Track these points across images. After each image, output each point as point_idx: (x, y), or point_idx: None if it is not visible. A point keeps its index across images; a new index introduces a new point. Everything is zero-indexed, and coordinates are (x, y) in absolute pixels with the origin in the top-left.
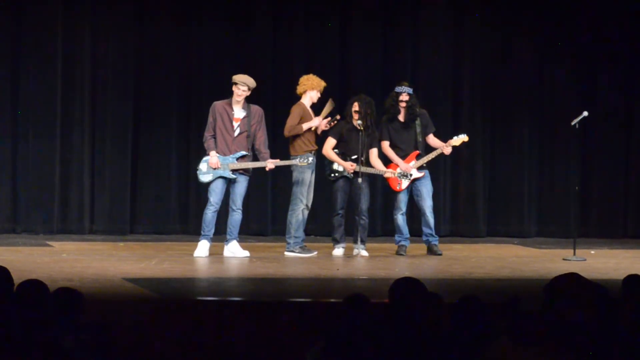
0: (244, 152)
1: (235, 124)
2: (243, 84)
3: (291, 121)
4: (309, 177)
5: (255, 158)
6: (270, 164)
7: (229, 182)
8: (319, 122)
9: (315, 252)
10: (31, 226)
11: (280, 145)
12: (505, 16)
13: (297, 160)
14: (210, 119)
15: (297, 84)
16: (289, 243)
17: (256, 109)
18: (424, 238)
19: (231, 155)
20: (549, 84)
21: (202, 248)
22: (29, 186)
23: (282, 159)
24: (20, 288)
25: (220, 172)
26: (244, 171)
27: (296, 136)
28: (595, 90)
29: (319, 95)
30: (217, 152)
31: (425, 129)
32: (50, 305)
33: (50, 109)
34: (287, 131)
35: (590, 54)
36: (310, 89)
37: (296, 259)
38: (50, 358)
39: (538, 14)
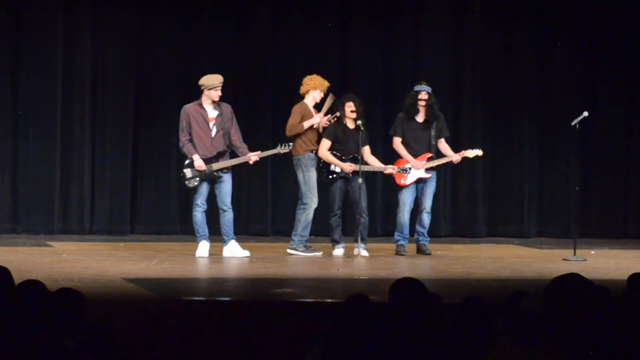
0: (223, 151)
1: (211, 124)
2: (220, 84)
3: (292, 120)
4: (314, 175)
5: (232, 155)
6: (253, 156)
7: (213, 182)
8: (320, 119)
9: (321, 253)
10: (31, 226)
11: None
12: (505, 16)
13: (279, 148)
14: (183, 123)
15: (300, 84)
16: (293, 240)
17: (226, 106)
18: (415, 236)
19: (212, 156)
20: (549, 84)
21: (203, 248)
22: (29, 186)
23: (287, 160)
24: (18, 289)
25: (206, 175)
26: (227, 169)
27: (297, 136)
28: (595, 91)
29: (322, 95)
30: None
31: (439, 133)
32: (48, 305)
33: (50, 109)
34: (288, 131)
35: (590, 53)
36: (313, 89)
37: (298, 258)
38: (50, 358)
39: (538, 14)
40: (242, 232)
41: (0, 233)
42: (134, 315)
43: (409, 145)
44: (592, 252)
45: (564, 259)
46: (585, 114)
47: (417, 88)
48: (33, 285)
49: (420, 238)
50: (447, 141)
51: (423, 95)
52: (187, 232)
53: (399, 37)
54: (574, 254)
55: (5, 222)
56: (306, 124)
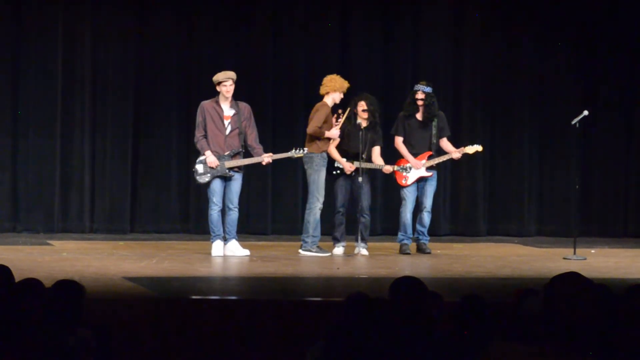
0: (237, 150)
1: (226, 122)
2: (228, 79)
3: (316, 122)
4: (324, 175)
5: (247, 155)
6: (267, 158)
7: (224, 180)
8: (338, 134)
9: (329, 253)
10: (32, 225)
11: (280, 143)
12: (505, 16)
13: (292, 152)
14: (199, 119)
15: (321, 84)
16: (305, 242)
17: (244, 106)
18: (415, 235)
19: (225, 154)
20: (549, 84)
21: (218, 248)
22: (30, 185)
23: (288, 159)
24: (15, 287)
25: (218, 172)
26: (239, 168)
27: (316, 137)
28: (596, 90)
29: (341, 97)
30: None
31: (440, 132)
32: (46, 302)
33: (50, 108)
34: (312, 131)
35: (590, 53)
36: (333, 91)
37: (298, 257)
38: (50, 358)
39: (538, 13)
40: (242, 231)
41: (1, 232)
42: (134, 314)
43: (410, 144)
44: (592, 251)
45: (564, 258)
46: (586, 113)
47: (415, 87)
48: (30, 284)
49: (420, 237)
50: (448, 140)
51: (419, 95)
52: (187, 230)
53: (399, 37)
54: (574, 252)
55: (6, 220)
56: (327, 134)
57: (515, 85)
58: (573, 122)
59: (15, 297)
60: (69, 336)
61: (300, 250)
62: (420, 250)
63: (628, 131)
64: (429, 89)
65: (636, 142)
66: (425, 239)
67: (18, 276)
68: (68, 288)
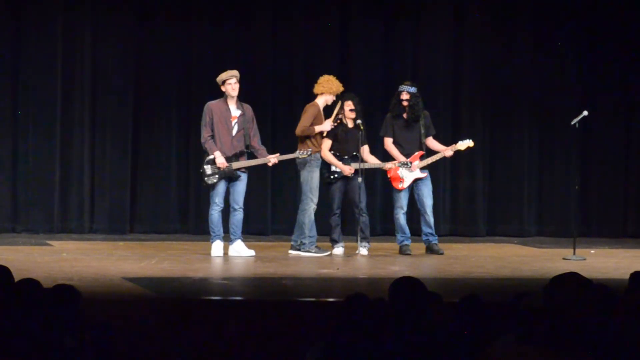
0: (242, 150)
1: (233, 122)
2: (232, 77)
3: (305, 122)
4: (317, 175)
5: (251, 156)
6: (273, 158)
7: (230, 181)
8: (330, 126)
9: (329, 252)
10: (31, 225)
11: (280, 143)
12: (505, 16)
13: (297, 153)
14: (206, 119)
15: (316, 82)
16: (304, 243)
17: (248, 107)
18: (424, 237)
19: (232, 155)
20: (549, 84)
21: (218, 248)
22: (29, 185)
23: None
24: (13, 288)
25: (226, 173)
26: (245, 169)
27: (307, 137)
28: (596, 90)
29: (334, 99)
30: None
31: (426, 131)
32: (44, 302)
33: (50, 109)
34: (300, 131)
35: (590, 53)
36: (328, 93)
37: (297, 258)
38: (50, 358)
39: (538, 14)
40: (242, 231)
41: (0, 232)
42: (134, 314)
43: (400, 145)
44: (592, 252)
45: (563, 258)
46: (585, 113)
47: (399, 88)
48: (28, 284)
49: (430, 238)
50: (435, 138)
51: (404, 96)
52: (187, 231)
53: (399, 37)
54: (574, 253)
55: (5, 221)
56: (317, 129)
57: (515, 85)
58: (573, 122)
59: (14, 298)
60: (67, 337)
61: (299, 251)
62: (433, 251)
63: (627, 131)
64: (413, 89)
65: (636, 142)
66: (435, 239)
67: (18, 277)
68: (65, 293)
